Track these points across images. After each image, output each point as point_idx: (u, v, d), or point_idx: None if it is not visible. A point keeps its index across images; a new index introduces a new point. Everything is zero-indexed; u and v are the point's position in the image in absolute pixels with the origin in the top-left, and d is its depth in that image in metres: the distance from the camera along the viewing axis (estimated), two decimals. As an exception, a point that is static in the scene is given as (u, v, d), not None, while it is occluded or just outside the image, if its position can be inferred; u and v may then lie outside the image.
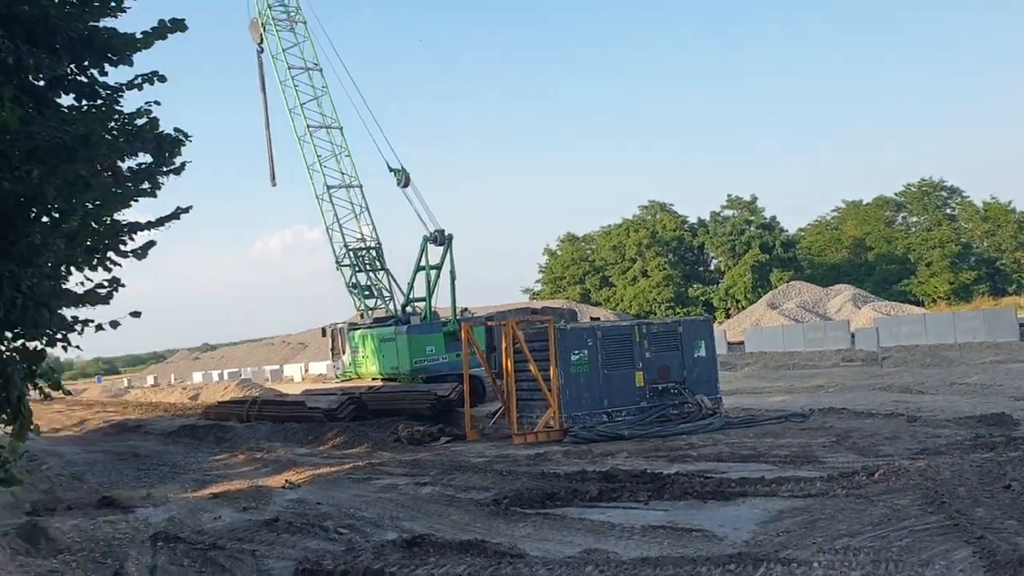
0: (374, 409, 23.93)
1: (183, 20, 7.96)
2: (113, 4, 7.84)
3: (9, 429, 8.28)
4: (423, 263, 29.62)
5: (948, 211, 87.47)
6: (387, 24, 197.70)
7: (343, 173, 33.65)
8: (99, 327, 8.41)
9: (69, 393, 9.60)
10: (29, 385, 7.98)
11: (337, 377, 33.48)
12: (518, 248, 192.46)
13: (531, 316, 25.22)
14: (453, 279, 28.99)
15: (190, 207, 8.88)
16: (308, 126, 33.36)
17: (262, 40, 34.39)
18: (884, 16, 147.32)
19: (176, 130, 8.28)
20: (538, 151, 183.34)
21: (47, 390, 8.22)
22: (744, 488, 11.05)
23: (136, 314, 8.44)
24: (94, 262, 8.43)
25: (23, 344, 8.07)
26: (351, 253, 33.13)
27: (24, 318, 7.34)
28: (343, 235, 33.24)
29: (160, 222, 8.87)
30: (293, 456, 19.29)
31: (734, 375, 33.11)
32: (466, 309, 30.93)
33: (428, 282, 29.45)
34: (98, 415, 41.46)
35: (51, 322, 7.90)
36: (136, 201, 8.64)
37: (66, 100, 8.21)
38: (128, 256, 8.77)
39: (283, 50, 33.75)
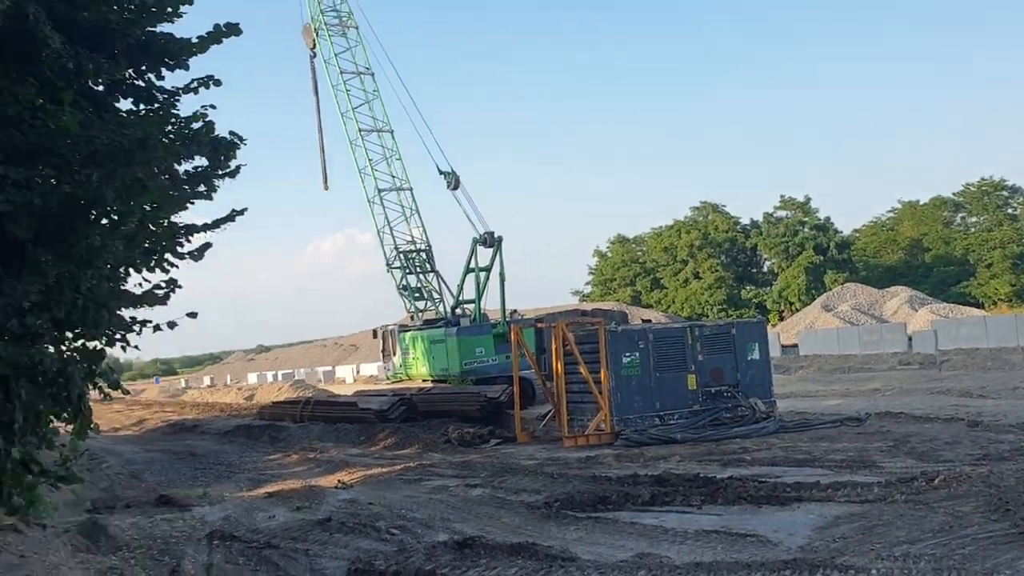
0: (424, 410, 24.05)
1: (237, 24, 8.04)
2: (170, 10, 7.96)
3: (70, 428, 8.45)
4: (472, 265, 29.72)
5: (1009, 211, 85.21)
6: (435, 24, 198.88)
7: (394, 176, 33.93)
8: (156, 327, 8.53)
9: (128, 393, 9.76)
10: (89, 385, 8.12)
11: (388, 378, 33.73)
12: (567, 250, 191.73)
13: (581, 318, 25.13)
14: (502, 281, 29.05)
15: (245, 209, 8.96)
16: (360, 130, 33.67)
17: (315, 45, 34.80)
18: (940, 11, 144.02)
19: (231, 133, 8.35)
20: (588, 152, 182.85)
21: (106, 390, 8.36)
22: (799, 493, 10.88)
23: (192, 315, 8.54)
24: (152, 264, 8.55)
25: (83, 344, 8.23)
26: (401, 255, 33.37)
27: (84, 318, 7.47)
28: (394, 238, 33.52)
29: (216, 224, 8.96)
30: (345, 456, 19.45)
31: (788, 378, 32.63)
32: (515, 311, 30.96)
33: (477, 284, 29.55)
34: (156, 415, 42.29)
35: (110, 322, 8.03)
36: (192, 204, 8.73)
37: (124, 104, 8.34)
38: (185, 258, 8.88)
39: (335, 55, 34.13)
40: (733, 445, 16.13)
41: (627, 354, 18.34)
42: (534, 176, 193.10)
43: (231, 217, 8.93)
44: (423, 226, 33.92)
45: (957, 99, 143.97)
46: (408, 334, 31.07)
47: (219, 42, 8.12)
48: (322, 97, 35.64)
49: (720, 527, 9.50)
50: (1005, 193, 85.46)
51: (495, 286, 29.18)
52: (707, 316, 79.15)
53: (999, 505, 9.09)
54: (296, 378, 62.57)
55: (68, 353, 7.96)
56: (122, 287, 8.52)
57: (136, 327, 8.55)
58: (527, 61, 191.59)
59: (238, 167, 8.67)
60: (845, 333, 47.53)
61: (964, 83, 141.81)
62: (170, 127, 8.13)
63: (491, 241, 29.36)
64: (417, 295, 33.46)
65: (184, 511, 11.97)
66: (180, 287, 8.70)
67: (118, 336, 8.59)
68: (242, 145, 8.44)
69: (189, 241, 8.91)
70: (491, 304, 29.99)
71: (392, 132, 34.02)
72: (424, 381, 29.75)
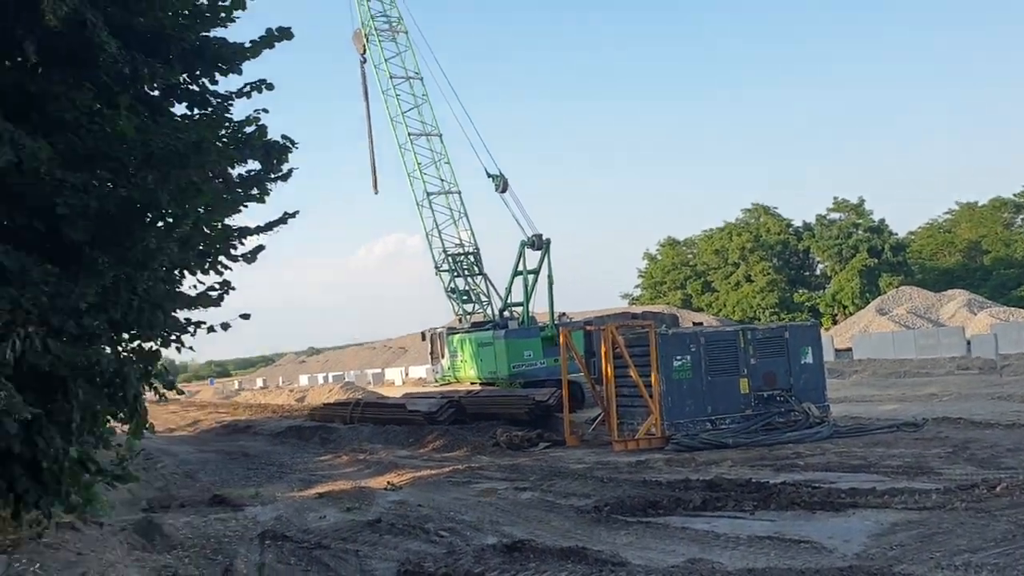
0: (473, 413, 24.06)
1: (289, 28, 8.13)
2: (223, 15, 8.07)
3: (126, 428, 8.59)
4: (521, 268, 29.69)
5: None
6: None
7: (442, 180, 34.04)
8: (211, 329, 8.65)
9: (182, 393, 9.92)
10: (145, 385, 8.26)
11: (436, 381, 33.85)
12: (616, 253, 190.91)
13: (631, 321, 24.96)
14: (551, 283, 28.98)
15: (296, 212, 9.05)
16: (409, 134, 33.86)
17: (365, 50, 35.07)
18: (994, 9, 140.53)
19: (283, 137, 8.44)
20: (638, 153, 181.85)
21: (162, 390, 8.49)
22: (854, 499, 10.68)
23: (246, 316, 8.64)
24: (206, 266, 8.68)
25: (139, 345, 8.37)
26: (450, 258, 33.48)
27: (140, 320, 7.59)
28: (442, 241, 33.64)
29: (268, 227, 9.07)
30: (394, 458, 19.55)
31: (842, 382, 32.05)
32: (564, 314, 30.87)
33: (526, 287, 29.52)
34: (210, 416, 42.94)
35: (165, 324, 8.15)
36: (245, 206, 8.85)
37: (179, 109, 8.48)
38: (238, 260, 9.00)
39: (385, 60, 34.35)
40: (786, 450, 15.89)
41: (678, 357, 18.16)
42: (584, 177, 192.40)
43: (283, 220, 9.04)
44: (471, 229, 34.02)
45: (1017, 99, 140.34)
46: (456, 337, 31.15)
47: (271, 46, 8.22)
48: (372, 102, 35.96)
49: (773, 533, 9.36)
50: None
51: (543, 289, 29.14)
52: (759, 319, 78.09)
53: (1065, 514, 8.82)
54: (346, 380, 63.09)
55: (124, 354, 8.10)
56: (177, 289, 8.66)
57: (191, 328, 8.68)
58: (579, 60, 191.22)
59: (290, 171, 8.76)
60: (901, 337, 46.55)
61: (1020, 82, 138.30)
62: (224, 131, 8.25)
63: (539, 244, 29.32)
64: (465, 298, 33.53)
65: (237, 511, 12.12)
66: (234, 289, 8.82)
67: (173, 337, 8.73)
68: (294, 149, 8.52)
69: (242, 244, 9.03)
70: (539, 307, 29.97)
71: (440, 136, 34.18)
72: (472, 384, 29.78)
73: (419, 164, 33.75)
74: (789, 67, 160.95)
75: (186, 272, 8.70)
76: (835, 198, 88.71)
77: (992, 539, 8.36)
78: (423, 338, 35.79)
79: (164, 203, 7.11)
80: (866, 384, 31.96)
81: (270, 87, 8.39)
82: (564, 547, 8.86)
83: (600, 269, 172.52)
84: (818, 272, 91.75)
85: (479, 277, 33.92)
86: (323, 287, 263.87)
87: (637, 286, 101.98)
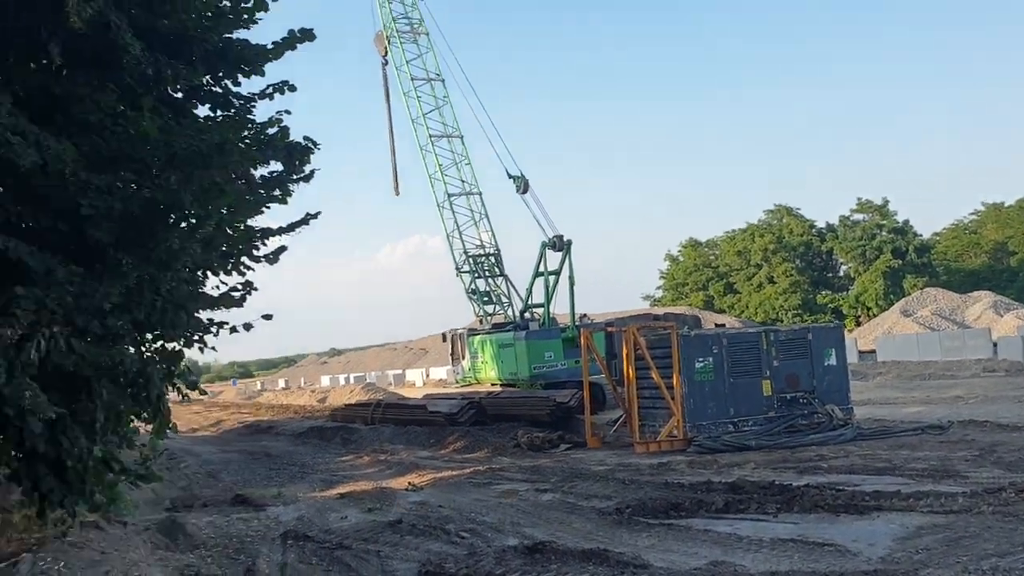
0: (494, 414, 24.05)
1: (311, 30, 8.15)
2: (246, 16, 8.10)
3: (150, 428, 8.65)
4: (542, 269, 29.65)
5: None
6: (508, 24, 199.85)
7: (463, 181, 34.09)
8: (233, 329, 8.69)
9: (205, 393, 9.96)
10: (168, 385, 8.31)
11: (457, 382, 33.88)
12: (638, 254, 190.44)
13: (653, 322, 24.85)
14: (572, 285, 28.95)
15: (319, 213, 9.08)
16: (430, 136, 33.93)
17: (387, 52, 35.17)
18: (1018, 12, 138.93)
19: (305, 138, 8.47)
20: (658, 154, 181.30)
21: (184, 390, 8.54)
22: (879, 502, 10.57)
23: (268, 316, 8.68)
24: (229, 266, 8.72)
25: (162, 346, 8.42)
26: (470, 259, 33.50)
27: (163, 320, 7.63)
28: (463, 242, 33.66)
29: (291, 228, 9.10)
30: (415, 459, 19.57)
31: (865, 385, 31.77)
32: (585, 315, 30.82)
33: (547, 288, 29.48)
34: (233, 416, 43.22)
35: (188, 324, 8.20)
36: (268, 208, 8.88)
37: (202, 111, 8.53)
38: (260, 261, 9.04)
39: (407, 62, 34.45)
40: (809, 452, 15.77)
41: (700, 359, 18.07)
42: (605, 177, 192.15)
43: (305, 221, 9.07)
44: (492, 230, 34.04)
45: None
46: (477, 338, 31.16)
47: (293, 48, 8.24)
48: (393, 103, 36.05)
49: (797, 536, 9.28)
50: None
51: (564, 290, 29.10)
52: (782, 321, 77.56)
53: (1095, 519, 8.69)
54: (367, 381, 63.31)
55: (148, 354, 8.15)
56: (200, 290, 8.70)
57: (213, 329, 8.72)
58: (599, 62, 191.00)
59: (312, 172, 8.79)
60: (925, 339, 46.10)
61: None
62: (246, 132, 8.28)
63: (560, 245, 29.27)
64: (486, 299, 33.54)
65: (259, 511, 12.17)
66: (256, 290, 8.86)
67: (196, 337, 8.78)
68: (316, 150, 8.54)
69: (265, 244, 9.08)
70: (560, 308, 29.90)
71: (462, 137, 34.23)
72: (493, 385, 29.77)
73: (440, 166, 33.80)
74: (809, 67, 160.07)
75: (209, 273, 8.75)
76: (858, 199, 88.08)
77: (1020, 543, 8.24)
78: (444, 339, 35.82)
79: (187, 204, 7.14)
80: (890, 386, 31.67)
81: (292, 88, 8.42)
82: (585, 549, 8.83)
83: (621, 271, 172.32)
84: (841, 273, 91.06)
85: (500, 278, 33.93)
86: (344, 288, 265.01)
87: (659, 287, 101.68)
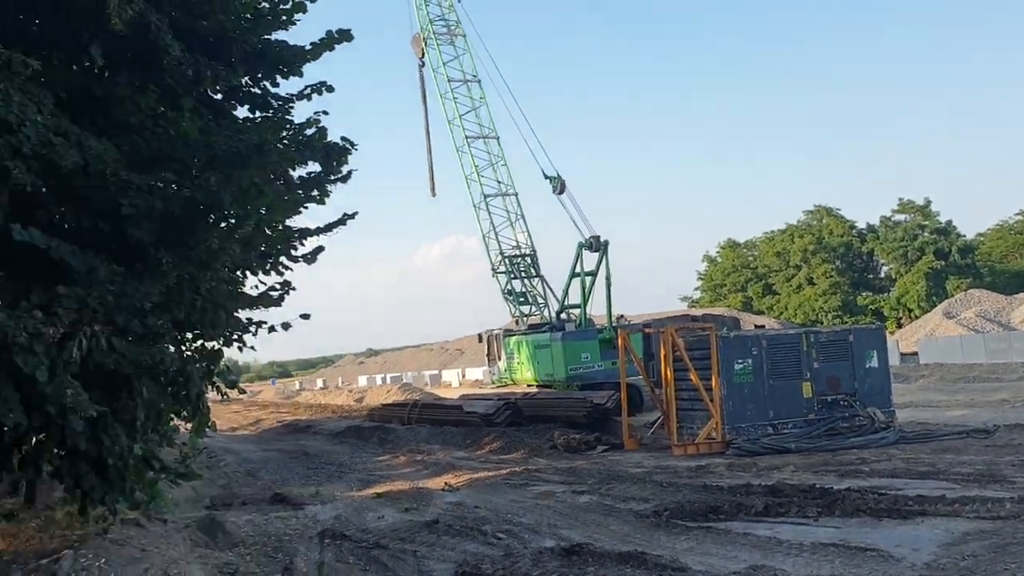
0: (530, 415, 24.00)
1: (349, 30, 8.18)
2: (284, 18, 8.14)
3: (189, 426, 8.72)
4: (578, 269, 29.54)
5: None
6: (544, 24, 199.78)
7: (499, 182, 34.08)
8: (271, 328, 8.74)
9: (244, 392, 10.03)
10: (207, 384, 8.37)
11: (493, 383, 33.86)
12: (676, 255, 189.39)
13: (691, 323, 24.64)
14: (609, 285, 28.79)
15: (355, 213, 9.11)
16: (466, 137, 33.95)
17: (423, 55, 35.27)
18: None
19: (343, 139, 8.50)
20: (697, 155, 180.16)
21: (224, 389, 8.60)
22: (923, 507, 10.37)
23: (306, 316, 8.72)
24: (267, 266, 8.78)
25: (202, 345, 8.49)
26: (507, 260, 33.48)
27: (203, 319, 7.69)
28: (499, 243, 33.67)
29: (328, 228, 9.15)
30: (452, 459, 19.57)
31: (907, 387, 31.25)
32: (622, 316, 30.66)
33: (583, 288, 29.35)
34: (272, 415, 43.61)
35: (227, 323, 8.25)
36: (306, 208, 8.93)
37: (241, 112, 8.60)
38: (299, 261, 9.10)
39: (443, 63, 34.51)
40: (850, 456, 15.52)
41: (739, 361, 17.87)
42: (644, 178, 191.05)
43: (342, 221, 9.10)
44: (528, 231, 34.00)
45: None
46: (513, 339, 31.12)
47: (331, 49, 8.28)
48: (430, 105, 36.14)
49: (838, 540, 9.12)
50: None
51: (601, 291, 28.95)
52: (821, 323, 76.63)
53: None
54: (404, 381, 63.58)
55: (188, 353, 8.22)
56: (239, 289, 8.75)
57: (252, 328, 8.78)
58: (639, 60, 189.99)
59: (350, 172, 8.82)
60: (969, 341, 45.30)
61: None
62: (285, 133, 8.33)
63: (597, 245, 29.12)
64: (522, 300, 33.50)
65: (297, 509, 12.23)
66: (294, 289, 8.91)
67: (235, 336, 8.84)
68: (354, 151, 8.56)
69: (303, 244, 9.13)
70: (597, 309, 29.77)
71: (498, 138, 34.24)
72: (529, 386, 29.72)
73: (476, 167, 33.82)
74: (850, 67, 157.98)
75: (248, 272, 8.81)
76: (900, 199, 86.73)
77: (1071, 551, 8.04)
78: (480, 340, 35.84)
79: (227, 204, 7.18)
80: (933, 389, 31.13)
81: (331, 89, 8.46)
82: (623, 551, 8.76)
83: (659, 272, 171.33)
84: (882, 275, 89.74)
85: (536, 279, 33.87)
86: (381, 289, 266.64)
87: (696, 288, 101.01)
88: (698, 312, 67.10)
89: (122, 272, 6.71)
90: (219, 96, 8.21)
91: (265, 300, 8.77)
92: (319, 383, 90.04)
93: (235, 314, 8.53)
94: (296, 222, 9.22)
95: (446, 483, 14.95)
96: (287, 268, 9.00)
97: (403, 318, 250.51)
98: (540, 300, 33.57)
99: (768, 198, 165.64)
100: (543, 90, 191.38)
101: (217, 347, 8.68)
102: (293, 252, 9.06)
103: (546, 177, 32.23)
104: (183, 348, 8.32)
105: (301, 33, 8.38)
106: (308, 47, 8.21)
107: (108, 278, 6.56)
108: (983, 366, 37.10)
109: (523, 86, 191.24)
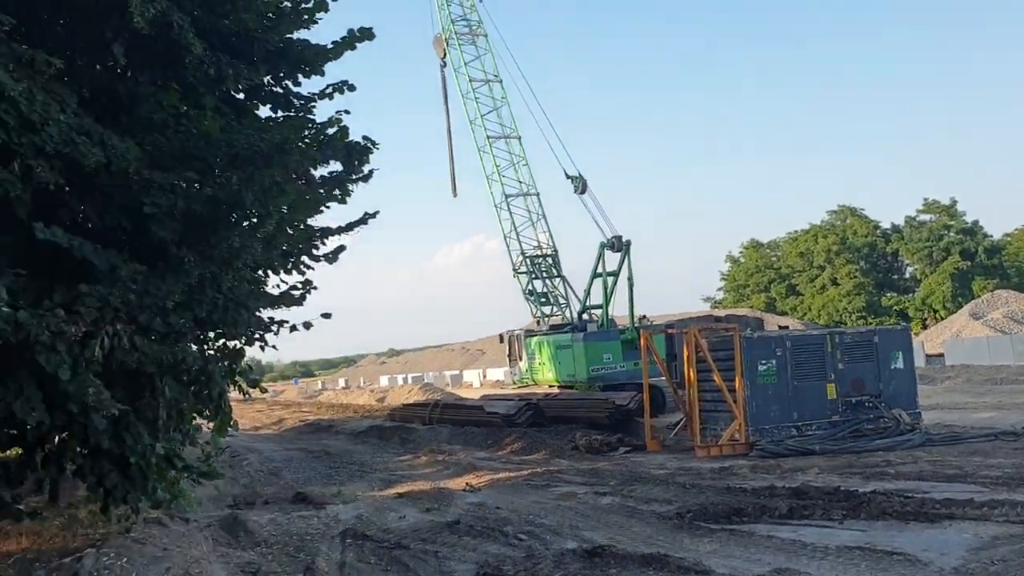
0: (551, 416, 23.92)
1: (371, 29, 8.16)
2: (306, 17, 8.14)
3: (212, 425, 8.74)
4: (600, 270, 29.41)
5: None
6: (566, 26, 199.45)
7: (521, 182, 33.94)
8: (293, 327, 8.75)
9: (266, 391, 10.05)
10: (229, 383, 8.39)
11: (514, 383, 33.77)
12: (699, 255, 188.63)
13: (714, 324, 24.47)
14: (631, 286, 28.62)
15: (377, 213, 9.10)
16: (488, 137, 33.86)
17: (445, 55, 35.24)
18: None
19: (364, 138, 8.48)
20: (721, 156, 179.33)
21: (246, 388, 8.61)
22: (950, 510, 10.21)
23: (327, 315, 8.72)
24: (289, 265, 8.79)
25: (224, 343, 8.50)
26: (528, 260, 33.36)
27: (225, 318, 7.70)
28: (520, 243, 33.52)
29: (349, 227, 9.14)
30: (473, 460, 19.54)
31: (933, 389, 30.90)
32: (644, 316, 30.47)
33: (605, 289, 29.20)
34: (294, 415, 43.77)
35: (249, 322, 8.27)
36: (327, 207, 8.93)
37: (263, 111, 8.61)
38: (320, 260, 9.10)
39: (465, 63, 34.43)
40: (875, 458, 15.33)
41: (763, 362, 17.72)
42: (666, 178, 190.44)
43: (364, 220, 9.09)
44: (549, 231, 33.83)
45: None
46: (534, 339, 31.04)
47: (353, 47, 8.26)
48: (451, 105, 36.09)
49: (864, 543, 9.00)
50: None
51: (623, 291, 28.79)
52: (845, 324, 76.05)
53: None
54: (425, 381, 63.66)
55: (210, 352, 8.23)
56: (261, 288, 8.77)
57: (274, 327, 8.79)
58: (663, 61, 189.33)
59: (371, 172, 8.80)
60: (996, 342, 44.75)
61: None
62: (306, 132, 8.32)
63: (619, 245, 28.98)
64: (543, 300, 33.37)
65: (319, 509, 12.24)
66: (316, 288, 8.91)
67: (257, 335, 8.85)
68: (375, 150, 8.54)
69: (324, 244, 9.13)
70: (619, 310, 29.63)
71: (519, 138, 34.11)
72: (551, 386, 29.62)
73: (498, 167, 33.73)
74: (873, 68, 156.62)
75: (269, 271, 8.82)
76: (925, 199, 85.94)
77: (1103, 556, 7.88)
78: (501, 340, 35.73)
79: (248, 203, 7.18)
80: (959, 391, 30.76)
81: (352, 88, 8.44)
82: (645, 553, 8.69)
83: (681, 273, 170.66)
84: (907, 275, 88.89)
85: (557, 279, 33.73)
86: (404, 288, 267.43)
87: (719, 289, 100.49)
88: (721, 313, 66.74)
89: (144, 271, 6.72)
90: (241, 95, 8.22)
91: (287, 299, 8.78)
92: (341, 383, 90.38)
93: (257, 313, 8.54)
94: (317, 221, 9.23)
95: (467, 483, 14.91)
96: (308, 267, 9.01)
97: (424, 318, 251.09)
98: (562, 300, 33.42)
99: (792, 198, 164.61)
100: (560, 86, 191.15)
101: (239, 346, 8.70)
102: (314, 251, 9.07)
103: (568, 177, 32.10)
104: (205, 347, 8.34)
105: (323, 32, 8.37)
106: (330, 46, 8.20)
107: (130, 277, 6.57)
108: (1011, 368, 36.61)
109: (542, 84, 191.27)
